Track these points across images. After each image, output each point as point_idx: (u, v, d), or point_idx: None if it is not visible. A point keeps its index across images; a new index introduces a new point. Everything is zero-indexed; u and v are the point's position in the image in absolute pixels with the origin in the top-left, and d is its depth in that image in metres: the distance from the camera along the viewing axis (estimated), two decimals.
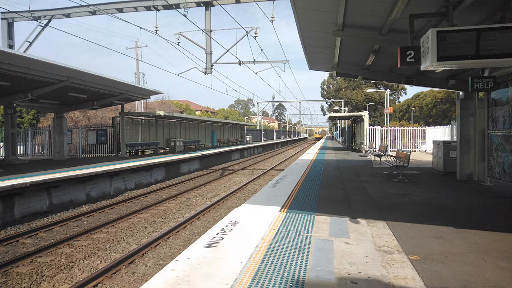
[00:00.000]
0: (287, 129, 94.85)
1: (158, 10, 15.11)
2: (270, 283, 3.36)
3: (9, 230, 8.72)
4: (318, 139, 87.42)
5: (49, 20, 16.59)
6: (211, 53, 15.62)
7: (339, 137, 51.65)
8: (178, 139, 24.33)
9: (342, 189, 8.93)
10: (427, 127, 28.74)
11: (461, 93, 11.00)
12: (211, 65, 15.70)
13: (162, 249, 7.22)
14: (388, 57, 9.93)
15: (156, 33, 14.55)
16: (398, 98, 68.18)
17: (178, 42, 16.22)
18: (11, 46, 16.55)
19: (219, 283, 3.35)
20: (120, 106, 22.09)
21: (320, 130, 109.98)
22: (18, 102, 16.79)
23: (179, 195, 13.04)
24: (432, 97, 63.23)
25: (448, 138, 20.52)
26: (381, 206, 6.86)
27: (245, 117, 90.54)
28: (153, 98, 39.77)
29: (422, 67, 5.18)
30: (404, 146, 26.12)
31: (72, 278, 5.84)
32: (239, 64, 18.25)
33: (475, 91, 8.71)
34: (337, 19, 7.36)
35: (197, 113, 71.09)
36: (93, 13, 16.03)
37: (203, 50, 15.67)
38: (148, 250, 7.04)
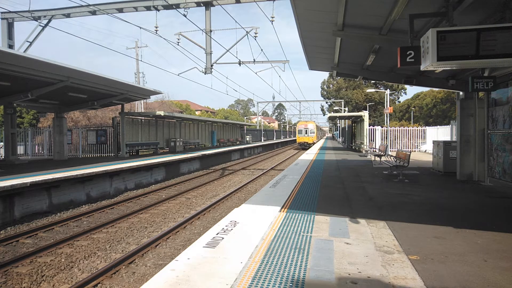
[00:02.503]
0: (287, 129, 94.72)
1: (158, 10, 15.11)
2: (270, 283, 3.35)
3: (9, 230, 8.72)
4: (304, 147, 42.23)
5: (49, 20, 16.58)
6: (211, 53, 15.62)
7: (339, 137, 51.63)
8: (178, 139, 24.34)
9: (342, 189, 8.92)
10: (427, 127, 28.75)
11: (461, 93, 11.00)
12: (211, 65, 15.70)
13: (162, 249, 7.22)
14: (388, 57, 9.92)
15: (156, 33, 14.56)
16: (398, 98, 68.26)
17: (178, 42, 16.22)
18: (11, 46, 16.55)
19: (219, 283, 3.35)
20: (120, 106, 22.09)
21: (310, 126, 45.23)
22: (18, 102, 16.79)
23: (179, 195, 13.04)
24: (432, 97, 63.23)
25: (448, 138, 20.51)
26: (381, 206, 6.85)
27: (245, 117, 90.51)
28: (153, 98, 39.79)
29: (422, 67, 5.18)
30: (404, 146, 26.12)
31: (72, 278, 5.84)
32: (239, 64, 18.23)
33: (475, 91, 8.70)
34: (337, 19, 7.36)
35: (197, 113, 71.12)
36: (93, 13, 16.03)
37: (203, 50, 15.68)
38: (148, 250, 7.04)
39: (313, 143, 42.91)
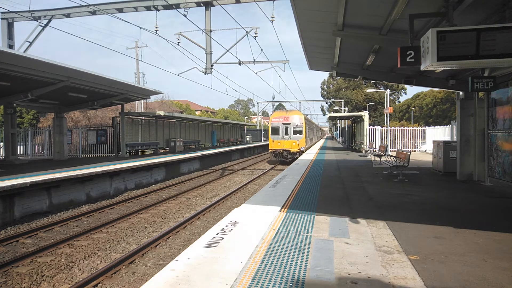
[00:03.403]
0: None
1: (158, 10, 15.11)
2: (270, 283, 3.35)
3: (9, 230, 8.72)
4: (284, 159, 24.29)
5: (49, 20, 16.58)
6: (211, 53, 15.61)
7: (339, 137, 51.59)
8: (178, 139, 24.35)
9: (342, 189, 8.92)
10: (427, 127, 28.75)
11: (461, 93, 11.00)
12: (211, 65, 15.69)
13: (162, 249, 7.22)
14: (388, 57, 9.92)
15: (156, 33, 14.54)
16: (398, 98, 68.21)
17: (178, 42, 16.21)
18: (11, 46, 16.55)
19: (219, 283, 3.35)
20: (120, 106, 22.10)
21: (295, 120, 24.30)
22: (18, 102, 16.79)
23: (179, 195, 13.04)
24: (432, 97, 63.20)
25: (448, 138, 20.51)
26: (381, 206, 6.85)
27: (245, 117, 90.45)
28: (153, 98, 39.79)
29: (422, 67, 5.18)
30: (404, 146, 26.11)
31: (72, 278, 5.84)
32: (239, 64, 18.22)
33: (475, 91, 8.70)
34: (337, 19, 7.36)
35: (197, 113, 71.08)
36: (93, 13, 16.03)
37: (203, 50, 15.66)
38: (148, 250, 7.04)
39: (300, 152, 23.77)
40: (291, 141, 24.07)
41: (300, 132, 24.27)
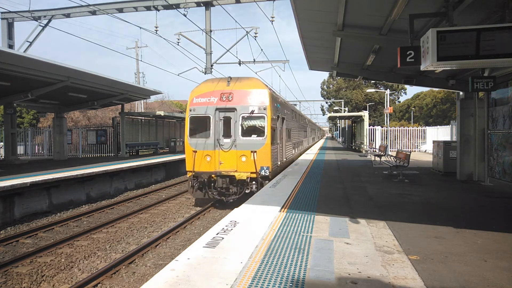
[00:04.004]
0: None
1: (158, 10, 15.11)
2: (270, 283, 3.35)
3: (9, 230, 8.73)
4: (206, 187, 10.19)
5: (49, 20, 16.59)
6: (211, 53, 15.61)
7: (339, 137, 51.56)
8: (178, 139, 24.35)
9: (342, 189, 8.92)
10: (427, 127, 28.76)
11: (461, 93, 11.00)
12: (211, 65, 15.68)
13: (162, 249, 7.22)
14: (388, 57, 9.91)
15: (156, 33, 14.52)
16: (398, 98, 68.20)
17: (178, 42, 16.19)
18: (11, 46, 16.55)
19: (219, 283, 3.35)
20: (120, 106, 22.11)
21: (252, 101, 10.01)
22: (18, 102, 16.80)
23: (179, 195, 13.04)
24: (432, 97, 63.18)
25: (448, 138, 20.51)
26: (381, 206, 6.85)
27: None
28: (153, 98, 39.72)
29: (422, 67, 5.17)
30: (404, 146, 26.11)
31: (72, 278, 5.84)
32: (239, 64, 18.18)
33: (475, 91, 8.70)
34: (337, 19, 7.36)
35: None
36: (93, 13, 16.03)
37: (203, 50, 15.66)
38: (148, 250, 7.04)
39: (259, 181, 10.32)
40: (236, 152, 10.71)
41: (259, 131, 10.76)
